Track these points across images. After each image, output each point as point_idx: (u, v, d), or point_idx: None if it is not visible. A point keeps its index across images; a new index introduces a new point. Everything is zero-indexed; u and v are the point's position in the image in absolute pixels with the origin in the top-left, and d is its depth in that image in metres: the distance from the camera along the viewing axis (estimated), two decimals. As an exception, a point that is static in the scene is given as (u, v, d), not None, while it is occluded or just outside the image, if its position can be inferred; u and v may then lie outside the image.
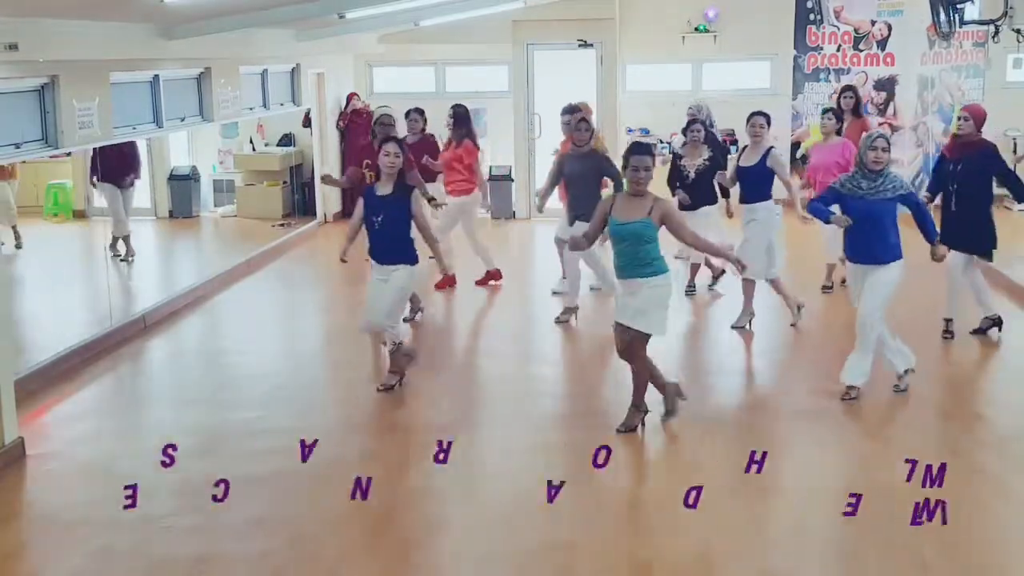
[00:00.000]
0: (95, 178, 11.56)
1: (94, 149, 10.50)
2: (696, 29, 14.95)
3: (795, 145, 14.48)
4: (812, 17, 14.46)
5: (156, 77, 9.42)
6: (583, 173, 9.18)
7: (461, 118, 10.44)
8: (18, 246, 11.97)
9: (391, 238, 7.46)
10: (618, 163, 7.69)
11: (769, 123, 9.05)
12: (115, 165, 11.38)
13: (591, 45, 14.62)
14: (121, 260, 11.62)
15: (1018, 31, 11.56)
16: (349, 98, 14.64)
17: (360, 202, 7.59)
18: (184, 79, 10.10)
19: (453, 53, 15.13)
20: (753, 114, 9.05)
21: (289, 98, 12.91)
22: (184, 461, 6.61)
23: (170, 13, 8.30)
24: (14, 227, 11.90)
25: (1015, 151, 14.24)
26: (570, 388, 7.92)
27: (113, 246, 11.62)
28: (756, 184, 8.94)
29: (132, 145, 11.49)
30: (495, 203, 13.79)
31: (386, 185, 7.48)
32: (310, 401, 7.80)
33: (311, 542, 5.43)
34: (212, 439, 7.02)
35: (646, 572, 5.07)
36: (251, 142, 14.72)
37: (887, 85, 14.14)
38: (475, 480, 6.39)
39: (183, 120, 10.20)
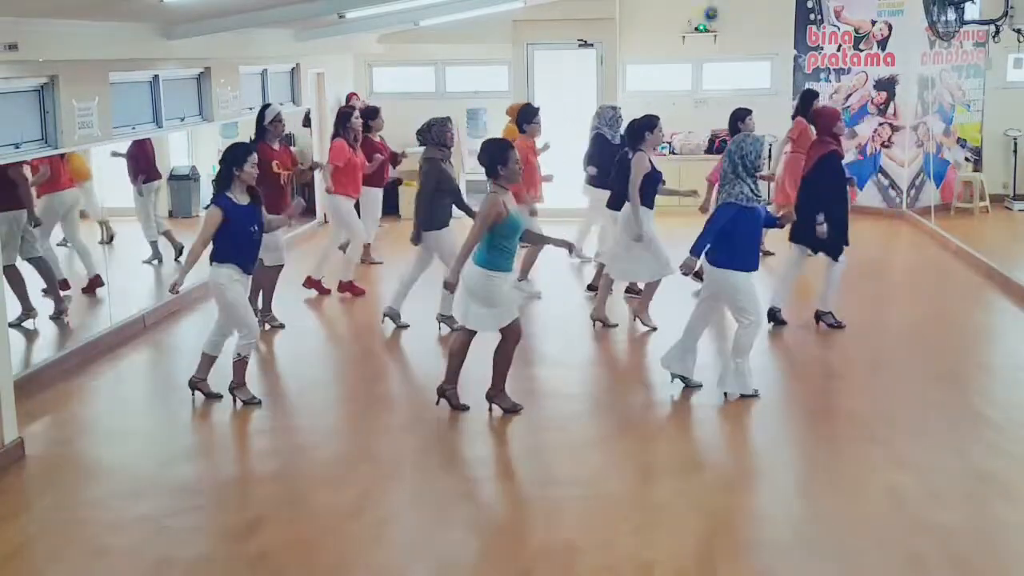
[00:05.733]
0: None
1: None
2: (696, 29, 14.96)
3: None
4: (812, 17, 14.46)
5: (156, 77, 9.41)
6: None
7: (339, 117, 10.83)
8: None
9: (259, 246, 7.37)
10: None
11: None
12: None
13: (591, 45, 14.63)
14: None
15: (1018, 31, 11.61)
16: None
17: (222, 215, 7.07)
18: (184, 79, 10.08)
19: (453, 53, 15.13)
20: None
21: (289, 98, 12.90)
22: (184, 461, 6.61)
23: (170, 13, 8.29)
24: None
25: (1015, 151, 14.24)
26: (572, 388, 7.90)
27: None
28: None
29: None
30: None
31: (244, 195, 7.19)
32: (310, 401, 7.79)
33: (311, 542, 5.42)
34: (212, 439, 7.01)
35: (646, 572, 5.07)
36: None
37: (887, 85, 14.14)
38: (475, 480, 6.40)
39: (183, 120, 10.18)
